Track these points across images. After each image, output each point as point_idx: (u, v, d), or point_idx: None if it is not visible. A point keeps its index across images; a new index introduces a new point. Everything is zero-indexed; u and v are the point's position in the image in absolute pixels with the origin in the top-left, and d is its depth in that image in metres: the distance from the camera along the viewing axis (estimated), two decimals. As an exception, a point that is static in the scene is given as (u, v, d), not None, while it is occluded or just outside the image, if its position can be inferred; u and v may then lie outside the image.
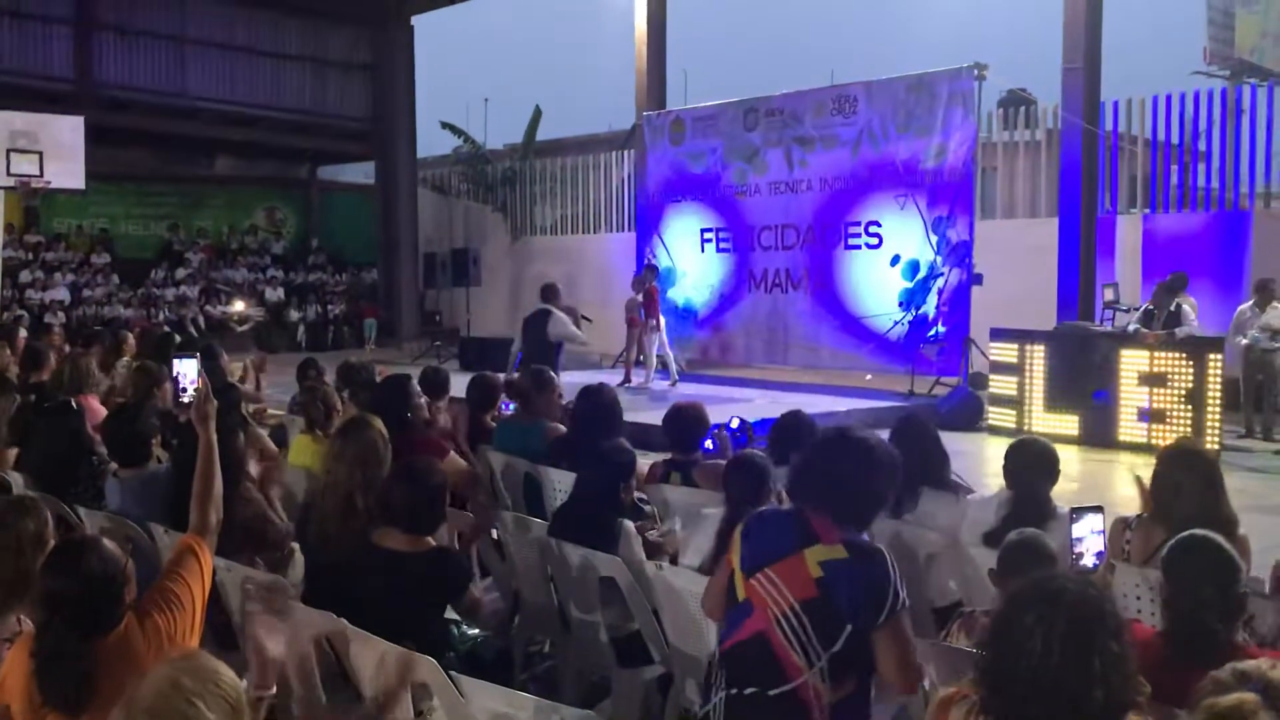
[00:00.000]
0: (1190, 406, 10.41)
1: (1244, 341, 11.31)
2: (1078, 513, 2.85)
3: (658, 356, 15.09)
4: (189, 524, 3.37)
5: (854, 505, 2.99)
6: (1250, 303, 11.40)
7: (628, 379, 14.82)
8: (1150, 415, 10.63)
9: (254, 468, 5.18)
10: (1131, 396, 10.83)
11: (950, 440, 9.59)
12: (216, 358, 7.95)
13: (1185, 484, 3.79)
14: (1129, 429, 10.83)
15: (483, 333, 21.05)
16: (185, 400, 3.56)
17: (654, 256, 17.45)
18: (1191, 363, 10.45)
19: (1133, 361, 10.82)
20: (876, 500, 3.06)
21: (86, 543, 2.89)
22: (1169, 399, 10.56)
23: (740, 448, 7.68)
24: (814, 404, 11.15)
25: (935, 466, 4.67)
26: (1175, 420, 10.46)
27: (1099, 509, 2.87)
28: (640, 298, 14.96)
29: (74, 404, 5.82)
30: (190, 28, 22.66)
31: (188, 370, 3.54)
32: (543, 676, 4.79)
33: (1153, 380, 10.64)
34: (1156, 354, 10.62)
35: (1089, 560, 2.79)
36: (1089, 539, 2.84)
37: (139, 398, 6.34)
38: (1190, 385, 10.42)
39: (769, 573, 2.90)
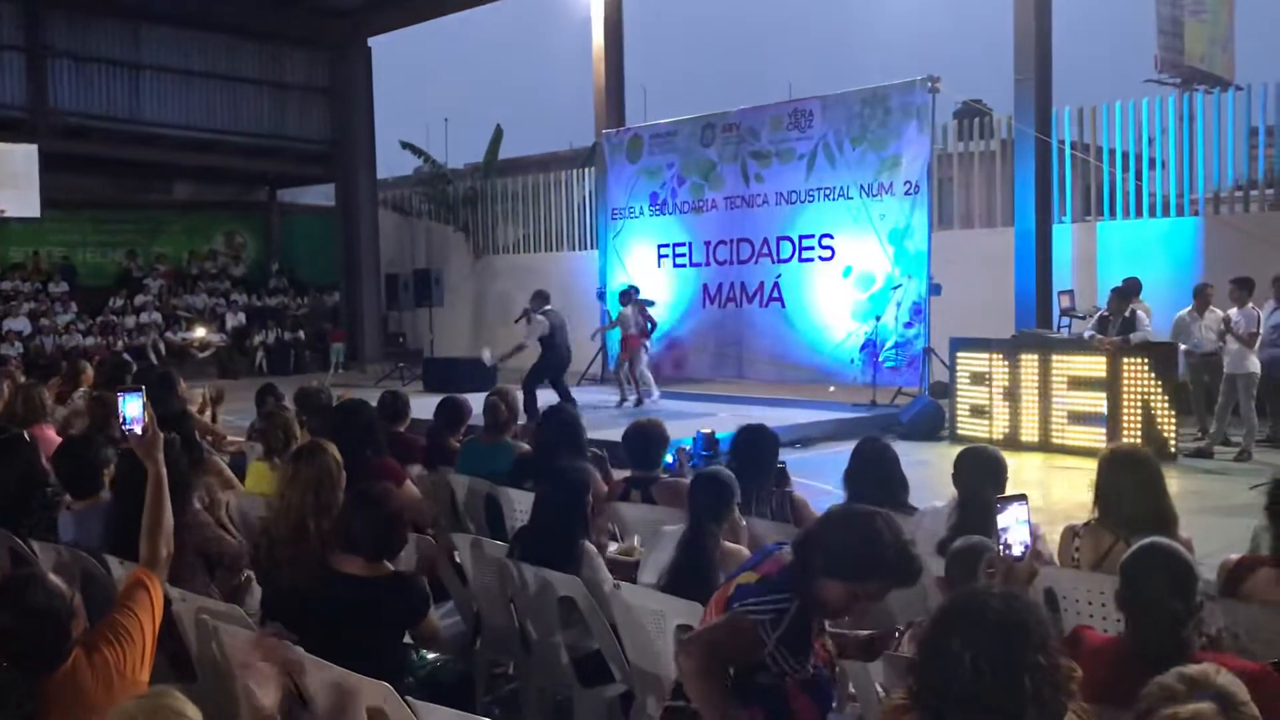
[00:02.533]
0: (1141, 410, 10.56)
1: (1183, 347, 11.46)
2: (1002, 503, 2.83)
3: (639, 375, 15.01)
4: (140, 556, 3.35)
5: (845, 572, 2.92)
6: (1190, 308, 11.56)
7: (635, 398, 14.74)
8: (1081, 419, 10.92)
9: (221, 495, 5.16)
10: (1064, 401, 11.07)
11: (913, 450, 9.72)
12: (174, 387, 7.88)
13: (1127, 487, 3.86)
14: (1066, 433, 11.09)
15: (446, 353, 21.00)
16: (130, 434, 3.52)
17: (613, 275, 17.52)
18: (1147, 367, 10.60)
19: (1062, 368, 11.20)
20: (865, 567, 2.92)
21: (31, 578, 2.85)
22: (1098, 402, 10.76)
23: (706, 462, 7.71)
24: (778, 417, 11.20)
25: (894, 491, 4.70)
26: (1129, 424, 10.62)
27: (1023, 497, 2.87)
28: (634, 314, 14.93)
29: (26, 436, 5.75)
30: (145, 53, 22.49)
31: (132, 406, 3.50)
32: (506, 698, 4.78)
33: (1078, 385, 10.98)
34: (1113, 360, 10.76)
35: (1017, 550, 2.80)
36: (1014, 529, 2.82)
37: (93, 428, 6.27)
38: (1149, 389, 10.57)
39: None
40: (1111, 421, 10.72)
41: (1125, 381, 10.72)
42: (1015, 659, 2.11)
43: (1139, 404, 10.62)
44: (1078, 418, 11.07)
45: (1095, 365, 10.91)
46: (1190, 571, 2.89)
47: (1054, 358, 11.28)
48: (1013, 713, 2.10)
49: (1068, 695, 2.19)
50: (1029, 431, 11.39)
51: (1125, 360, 10.73)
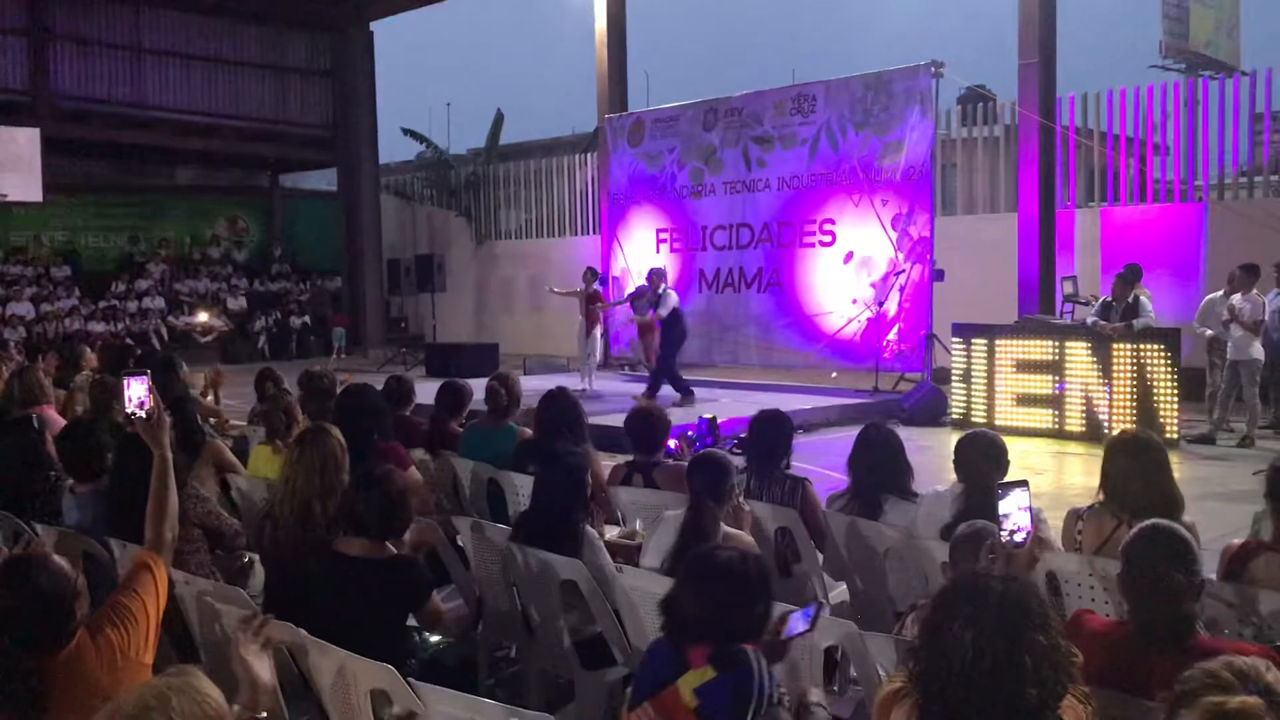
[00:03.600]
0: (1143, 396, 10.57)
1: (1209, 333, 11.43)
2: (1004, 489, 2.83)
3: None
4: (144, 539, 3.35)
5: (729, 634, 2.78)
6: (1221, 293, 11.40)
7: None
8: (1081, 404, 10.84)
9: (214, 484, 5.17)
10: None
11: (915, 435, 9.71)
12: (176, 370, 7.90)
13: (1131, 472, 3.86)
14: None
15: (448, 338, 21.00)
16: (135, 418, 3.52)
17: (614, 260, 17.53)
18: (1150, 353, 10.60)
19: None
20: (752, 621, 2.84)
21: (35, 560, 2.86)
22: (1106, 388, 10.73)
23: (707, 446, 7.72)
24: (780, 402, 11.16)
25: (898, 476, 4.70)
26: (1131, 410, 10.61)
27: (1024, 484, 2.87)
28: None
29: (35, 420, 5.77)
30: (147, 37, 22.46)
31: (137, 390, 3.50)
32: (508, 681, 4.79)
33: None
34: (1116, 345, 10.75)
35: (1019, 536, 2.80)
36: (1015, 515, 2.83)
37: (96, 412, 6.28)
38: (1152, 375, 10.56)
39: (647, 708, 2.78)
40: (1113, 407, 10.72)
41: (1128, 367, 10.71)
42: (1016, 639, 2.13)
43: (1142, 389, 10.61)
44: (1080, 404, 11.06)
45: (1097, 351, 10.91)
46: (1190, 549, 2.89)
47: (1057, 343, 11.28)
48: (1015, 692, 2.11)
49: (1069, 677, 2.20)
50: (1030, 417, 11.39)
51: (1128, 346, 10.72)
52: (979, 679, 2.11)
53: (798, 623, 2.92)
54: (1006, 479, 3.03)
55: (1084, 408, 11.03)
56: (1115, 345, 10.73)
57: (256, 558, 4.42)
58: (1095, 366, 10.93)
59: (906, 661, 2.32)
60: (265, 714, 2.72)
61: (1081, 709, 2.35)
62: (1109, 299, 11.10)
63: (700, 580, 2.84)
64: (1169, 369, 10.53)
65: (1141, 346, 10.65)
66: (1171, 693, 2.07)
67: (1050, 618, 2.21)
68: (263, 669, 2.57)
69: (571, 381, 12.52)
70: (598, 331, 15.14)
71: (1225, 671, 2.03)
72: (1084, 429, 10.95)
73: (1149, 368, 10.59)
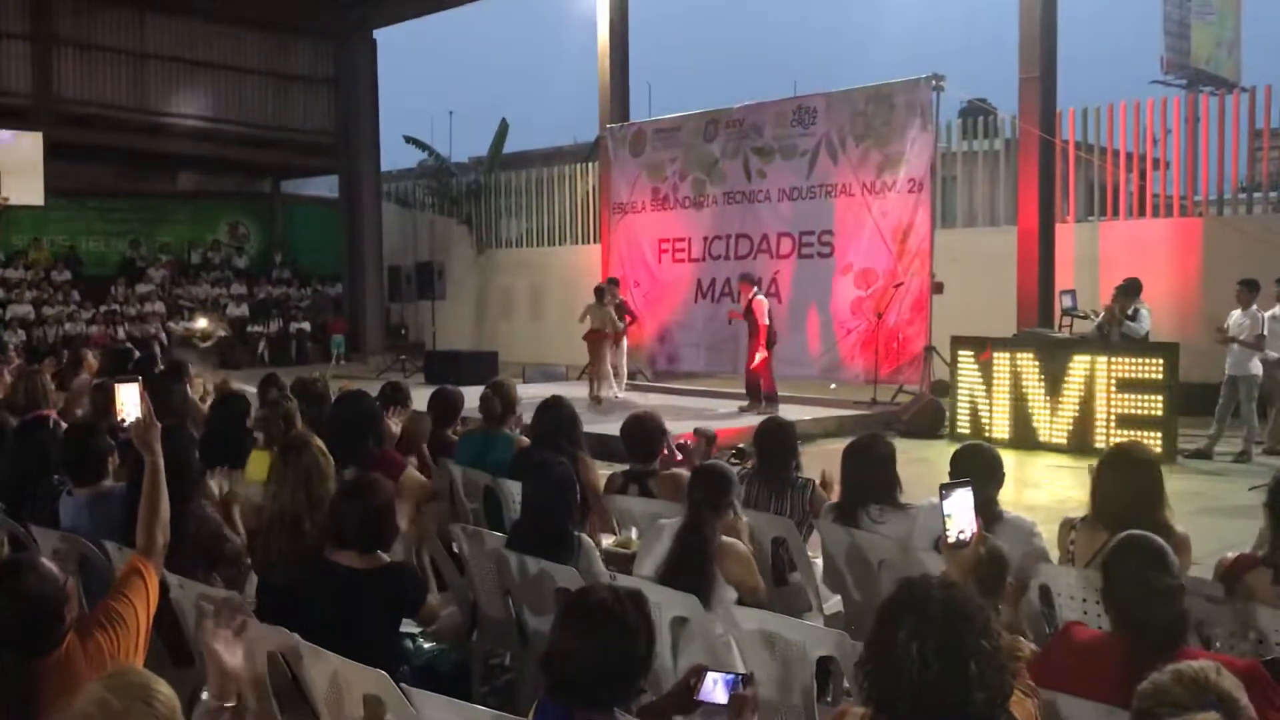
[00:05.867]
0: (1138, 410, 10.59)
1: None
2: (947, 489, 2.82)
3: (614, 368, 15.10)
4: (136, 544, 3.37)
5: (608, 691, 2.58)
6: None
7: (599, 395, 14.73)
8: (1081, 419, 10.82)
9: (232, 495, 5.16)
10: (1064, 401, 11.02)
11: (912, 448, 9.71)
12: (182, 378, 7.89)
13: (1121, 484, 3.87)
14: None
15: (448, 346, 21.01)
16: (126, 426, 3.54)
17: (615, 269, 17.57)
18: (1149, 367, 10.61)
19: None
20: (626, 675, 2.63)
21: (24, 563, 2.86)
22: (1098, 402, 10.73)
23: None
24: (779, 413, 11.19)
25: (886, 487, 4.69)
26: (1125, 425, 10.63)
27: (968, 483, 2.87)
28: (611, 310, 14.96)
29: (51, 422, 5.76)
30: (150, 42, 22.50)
31: (128, 397, 3.51)
32: (502, 689, 4.78)
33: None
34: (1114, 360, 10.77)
35: (965, 536, 2.80)
36: (959, 514, 2.82)
37: (96, 416, 6.29)
38: (1148, 388, 10.58)
39: None
40: (1108, 422, 10.74)
41: (1123, 380, 10.74)
42: (960, 646, 2.16)
43: (1136, 404, 10.64)
44: (1078, 418, 11.08)
45: (1096, 365, 10.93)
46: (1165, 553, 2.93)
47: (1056, 357, 11.30)
48: (962, 699, 2.14)
49: (1013, 675, 2.25)
50: (1028, 430, 11.40)
51: (1124, 359, 10.74)
52: (927, 688, 2.15)
53: (717, 690, 2.65)
54: (949, 480, 3.02)
55: (1083, 421, 11.04)
56: (1113, 360, 10.74)
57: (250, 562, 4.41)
58: (1097, 379, 10.93)
59: (855, 675, 2.33)
60: (233, 703, 2.72)
61: (1029, 703, 2.38)
62: (1107, 312, 11.10)
63: (576, 621, 2.65)
64: (1166, 383, 10.55)
65: (1139, 360, 10.66)
66: (1132, 708, 2.09)
67: (989, 620, 2.25)
68: (232, 657, 2.57)
69: (571, 390, 12.55)
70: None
71: (1176, 686, 2.04)
72: (1081, 442, 10.95)
73: (1146, 381, 10.61)
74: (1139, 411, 10.65)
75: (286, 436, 4.76)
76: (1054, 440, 11.24)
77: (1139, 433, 10.32)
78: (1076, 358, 11.15)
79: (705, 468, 4.47)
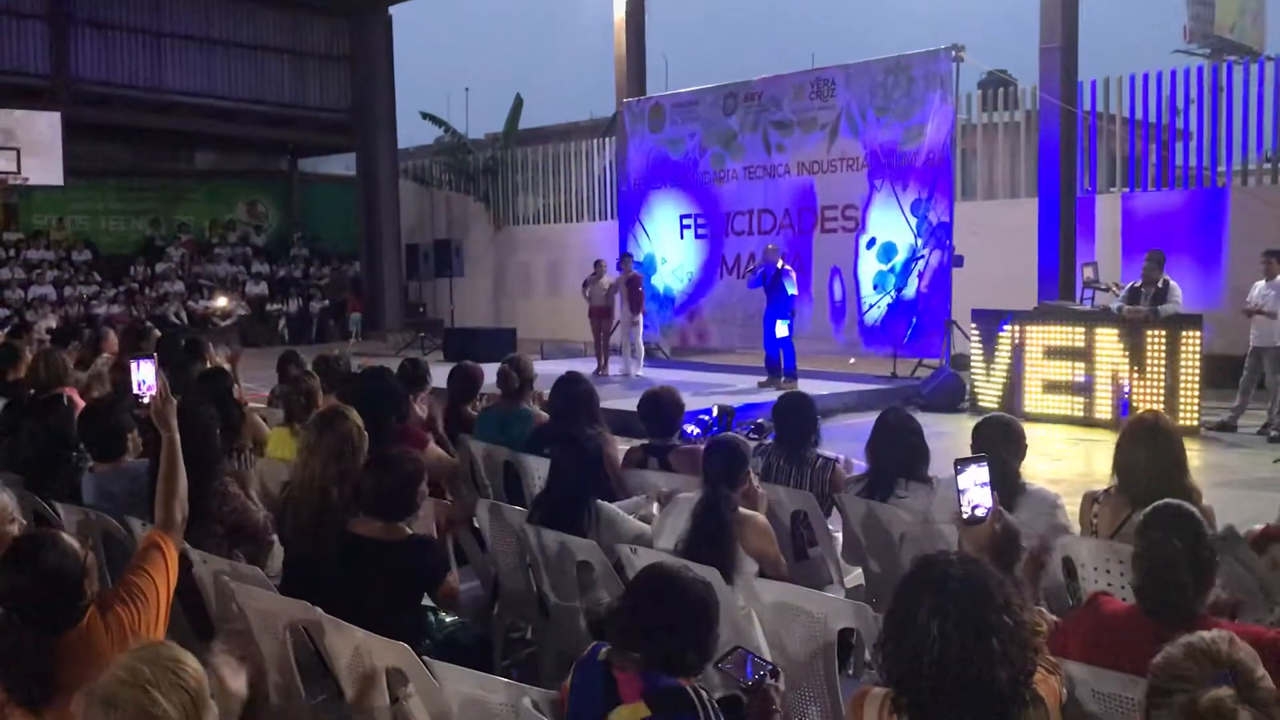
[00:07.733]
0: (1166, 383, 10.51)
1: None
2: (962, 464, 2.77)
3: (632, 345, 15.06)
4: (155, 519, 3.38)
5: (663, 653, 2.64)
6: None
7: (604, 369, 14.75)
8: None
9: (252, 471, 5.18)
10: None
11: (933, 421, 9.68)
12: (201, 353, 7.93)
13: (1147, 457, 3.83)
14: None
15: (466, 323, 21.03)
16: (144, 402, 3.55)
17: (636, 245, 17.51)
18: (1179, 339, 10.52)
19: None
20: (687, 647, 2.68)
21: (45, 539, 2.87)
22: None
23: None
24: (799, 387, 11.14)
25: (915, 461, 4.69)
26: (1153, 396, 10.56)
27: (984, 459, 2.83)
28: (623, 286, 14.91)
29: (65, 399, 5.80)
30: (167, 21, 22.52)
31: (145, 373, 3.52)
32: (524, 662, 4.80)
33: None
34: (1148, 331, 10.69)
35: (980, 512, 2.76)
36: (974, 490, 2.78)
37: (116, 393, 6.32)
38: (1176, 362, 10.50)
39: None
40: (1134, 394, 10.67)
41: (1149, 354, 10.65)
42: (982, 623, 2.12)
43: (1163, 376, 10.56)
44: (1099, 391, 11.01)
45: (1118, 338, 10.85)
46: (1196, 523, 2.86)
47: (1076, 330, 11.22)
48: (985, 676, 2.10)
49: (1035, 651, 2.20)
50: (1049, 403, 11.34)
51: (1151, 332, 10.65)
52: (949, 667, 2.10)
53: (749, 667, 2.68)
54: (967, 455, 2.99)
55: (1107, 393, 10.97)
56: (1147, 331, 10.64)
57: (276, 538, 4.43)
58: (1122, 352, 10.85)
59: (875, 655, 2.29)
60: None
61: (1054, 679, 2.34)
62: (1136, 284, 10.99)
63: (657, 594, 2.70)
64: (1192, 355, 10.46)
65: (1170, 332, 10.56)
66: (1146, 683, 2.04)
67: (1011, 595, 2.20)
68: (236, 681, 2.58)
69: (588, 366, 12.51)
70: (641, 317, 15.14)
71: (1187, 660, 1.98)
72: (1107, 415, 10.87)
73: (1177, 355, 10.51)
74: (1163, 384, 10.56)
75: (323, 409, 4.75)
76: (1077, 413, 11.17)
77: (1161, 404, 10.26)
78: (1099, 330, 11.06)
79: (719, 441, 4.45)
